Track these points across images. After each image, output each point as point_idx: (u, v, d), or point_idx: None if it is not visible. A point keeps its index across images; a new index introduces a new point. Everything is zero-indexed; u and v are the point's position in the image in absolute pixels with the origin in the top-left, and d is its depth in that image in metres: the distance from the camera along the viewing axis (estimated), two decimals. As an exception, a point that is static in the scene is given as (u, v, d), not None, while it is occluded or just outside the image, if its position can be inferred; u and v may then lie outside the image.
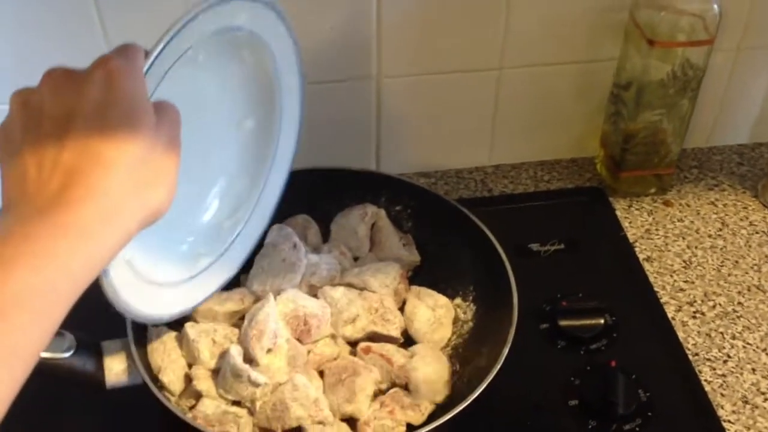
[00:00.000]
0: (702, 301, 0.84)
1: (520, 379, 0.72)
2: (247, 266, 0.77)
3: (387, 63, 0.88)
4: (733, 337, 0.80)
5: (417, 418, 0.69)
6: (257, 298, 0.74)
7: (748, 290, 0.84)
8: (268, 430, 0.67)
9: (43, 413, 0.71)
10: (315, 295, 0.75)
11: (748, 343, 0.79)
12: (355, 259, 0.82)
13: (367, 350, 0.73)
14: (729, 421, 0.73)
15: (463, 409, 0.64)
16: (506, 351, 0.67)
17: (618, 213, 0.93)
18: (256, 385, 0.66)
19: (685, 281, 0.86)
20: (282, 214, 0.81)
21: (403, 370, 0.71)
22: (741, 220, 0.92)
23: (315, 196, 0.83)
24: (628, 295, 0.84)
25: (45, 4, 0.78)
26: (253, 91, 0.67)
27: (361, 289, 0.76)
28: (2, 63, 0.79)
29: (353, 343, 0.74)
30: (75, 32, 0.79)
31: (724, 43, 0.90)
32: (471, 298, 0.78)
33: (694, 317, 0.82)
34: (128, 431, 0.72)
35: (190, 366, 0.70)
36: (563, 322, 0.78)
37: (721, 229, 0.91)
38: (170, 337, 0.70)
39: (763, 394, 0.75)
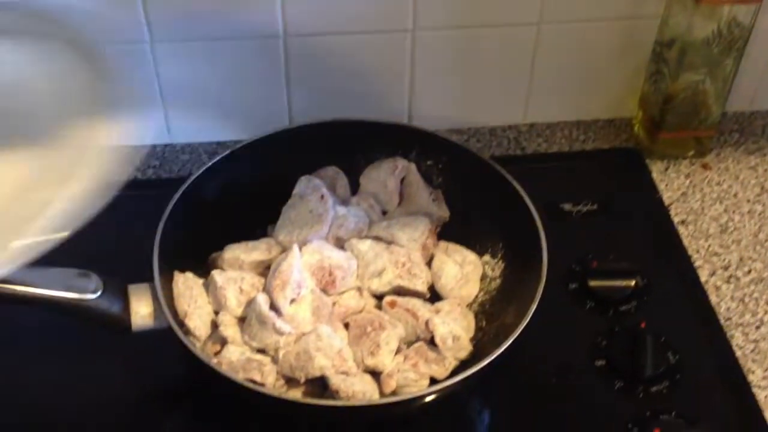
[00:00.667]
0: (737, 266, 0.82)
1: (546, 338, 0.71)
2: (274, 216, 0.77)
3: (423, 15, 0.86)
4: (768, 303, 0.78)
5: (441, 372, 0.69)
6: (283, 249, 0.74)
7: (786, 257, 0.82)
8: (291, 378, 0.67)
9: (70, 355, 0.72)
10: (342, 248, 0.75)
11: (783, 311, 0.78)
12: (384, 213, 0.81)
13: (393, 304, 0.72)
14: (759, 387, 0.72)
15: (487, 365, 0.64)
16: (534, 307, 0.66)
17: (654, 175, 0.91)
18: (280, 333, 0.66)
19: (721, 246, 0.84)
20: (311, 165, 0.81)
21: (428, 325, 0.71)
22: (781, 185, 0.90)
23: (345, 149, 0.82)
24: (661, 258, 0.82)
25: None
26: None
27: (389, 242, 0.76)
28: None
29: (379, 297, 0.74)
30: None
31: (774, 1, 0.87)
32: (500, 255, 0.77)
33: (728, 282, 0.80)
34: (153, 375, 0.73)
35: (216, 313, 0.70)
36: (593, 283, 0.77)
37: (760, 195, 0.89)
38: (197, 283, 0.71)
39: (797, 362, 0.74)
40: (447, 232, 0.80)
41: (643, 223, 0.86)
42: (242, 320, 0.69)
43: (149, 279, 0.67)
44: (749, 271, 0.81)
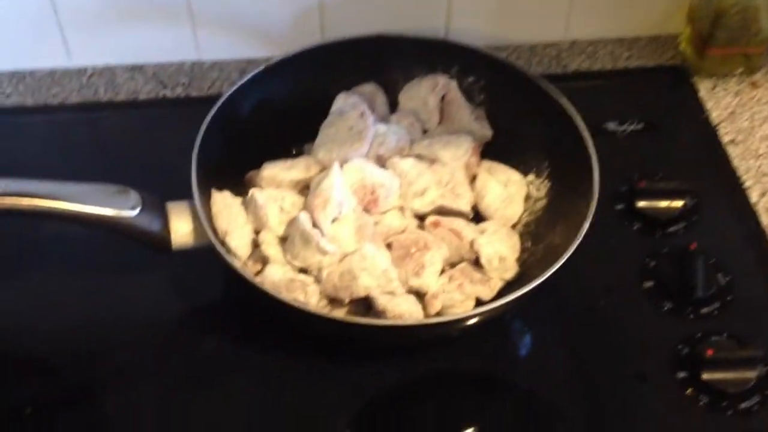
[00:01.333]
0: (788, 187, 0.79)
1: (591, 260, 0.69)
2: (310, 135, 0.75)
3: None
4: (820, 225, 0.76)
5: (486, 293, 0.67)
6: (323, 167, 0.72)
7: (838, 177, 0.80)
8: (335, 298, 0.65)
9: (109, 272, 0.71)
10: (383, 166, 0.72)
11: (835, 232, 0.75)
12: (424, 132, 0.78)
13: (437, 224, 0.70)
14: (812, 309, 0.70)
15: (536, 287, 0.62)
16: (586, 227, 0.64)
17: (701, 94, 0.87)
18: (324, 252, 0.65)
19: (771, 166, 0.81)
20: (347, 82, 0.78)
21: (473, 245, 0.69)
22: (833, 105, 0.86)
23: (382, 65, 0.79)
24: (710, 178, 0.79)
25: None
26: None
27: (431, 161, 0.73)
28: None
29: (421, 217, 0.72)
30: None
31: None
32: (545, 174, 0.75)
33: (779, 204, 0.78)
34: (193, 296, 0.71)
35: (256, 232, 0.68)
36: (640, 203, 0.75)
37: (810, 114, 0.86)
38: (236, 201, 0.69)
39: None
40: (489, 152, 0.77)
41: (691, 143, 0.83)
42: (283, 240, 0.67)
43: (186, 197, 0.66)
44: (800, 192, 0.79)
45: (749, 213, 0.77)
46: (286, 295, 0.63)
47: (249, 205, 0.68)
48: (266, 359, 0.68)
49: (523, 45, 0.92)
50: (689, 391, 0.65)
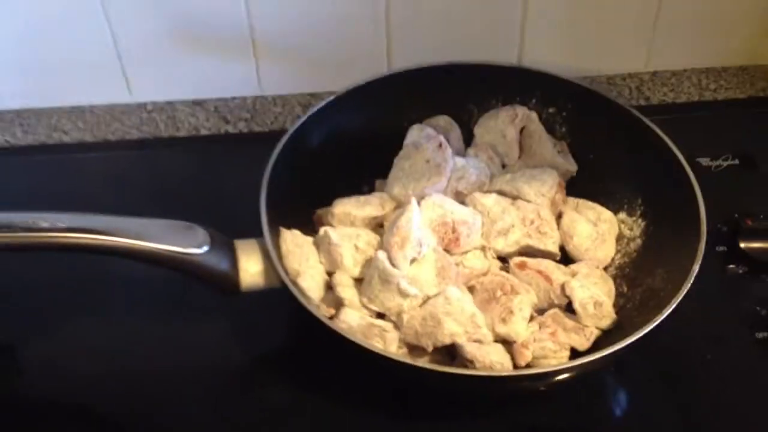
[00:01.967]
0: None
1: (693, 307, 0.62)
2: (380, 170, 0.70)
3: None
4: None
5: (582, 343, 0.61)
6: (398, 204, 0.67)
7: None
8: (416, 346, 0.60)
9: (173, 313, 0.67)
10: (462, 203, 0.67)
11: None
12: (503, 167, 0.73)
13: (523, 266, 0.64)
14: None
15: (641, 338, 0.56)
16: (696, 270, 0.58)
17: (799, 127, 0.82)
18: (405, 295, 0.59)
19: None
20: (418, 114, 0.74)
21: (564, 289, 0.63)
22: None
23: (455, 96, 0.75)
24: (818, 218, 0.73)
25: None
26: None
27: (514, 197, 0.68)
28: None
29: (503, 258, 0.66)
30: None
31: None
32: (639, 212, 0.69)
33: None
34: (259, 339, 0.66)
35: (329, 274, 0.63)
36: (745, 244, 0.69)
37: None
38: (307, 241, 0.64)
39: None
40: (571, 188, 0.72)
41: (793, 179, 0.77)
42: (359, 281, 0.62)
43: (252, 235, 0.61)
44: None
45: None
46: (366, 342, 0.57)
47: (321, 244, 0.63)
48: (338, 411, 0.63)
49: (600, 76, 0.87)
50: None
